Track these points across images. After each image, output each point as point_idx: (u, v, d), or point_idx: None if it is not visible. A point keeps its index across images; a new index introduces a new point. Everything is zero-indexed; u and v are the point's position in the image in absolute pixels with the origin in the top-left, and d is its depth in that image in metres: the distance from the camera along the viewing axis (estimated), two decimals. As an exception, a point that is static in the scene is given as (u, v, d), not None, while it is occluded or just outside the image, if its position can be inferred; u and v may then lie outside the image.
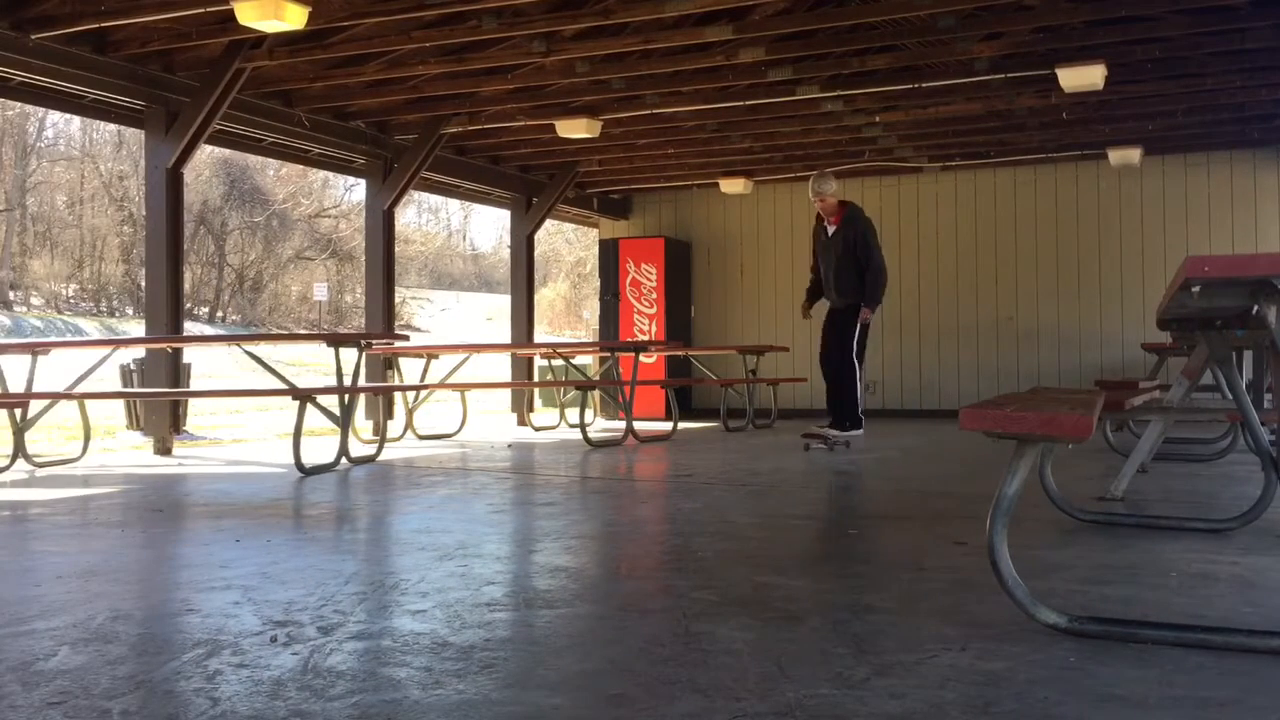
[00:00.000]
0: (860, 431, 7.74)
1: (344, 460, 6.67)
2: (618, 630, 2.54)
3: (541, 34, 7.62)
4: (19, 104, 20.97)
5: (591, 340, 24.24)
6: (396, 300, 17.66)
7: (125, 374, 9.95)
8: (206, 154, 28.51)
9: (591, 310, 27.57)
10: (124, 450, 8.43)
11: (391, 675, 2.14)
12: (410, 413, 9.37)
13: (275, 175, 34.52)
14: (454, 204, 47.78)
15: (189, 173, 9.26)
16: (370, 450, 7.50)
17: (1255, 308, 2.65)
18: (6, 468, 6.75)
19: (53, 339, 21.64)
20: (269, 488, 5.78)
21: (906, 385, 12.42)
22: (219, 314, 32.08)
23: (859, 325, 7.64)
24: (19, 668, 2.21)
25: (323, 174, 31.35)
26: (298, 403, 6.35)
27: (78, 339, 21.70)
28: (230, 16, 6.60)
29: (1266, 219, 11.23)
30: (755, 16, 7.43)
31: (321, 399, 6.58)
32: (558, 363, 11.74)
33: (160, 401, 8.09)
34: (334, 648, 2.34)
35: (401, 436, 9.18)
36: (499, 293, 39.15)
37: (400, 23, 7.46)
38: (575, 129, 9.44)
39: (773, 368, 12.08)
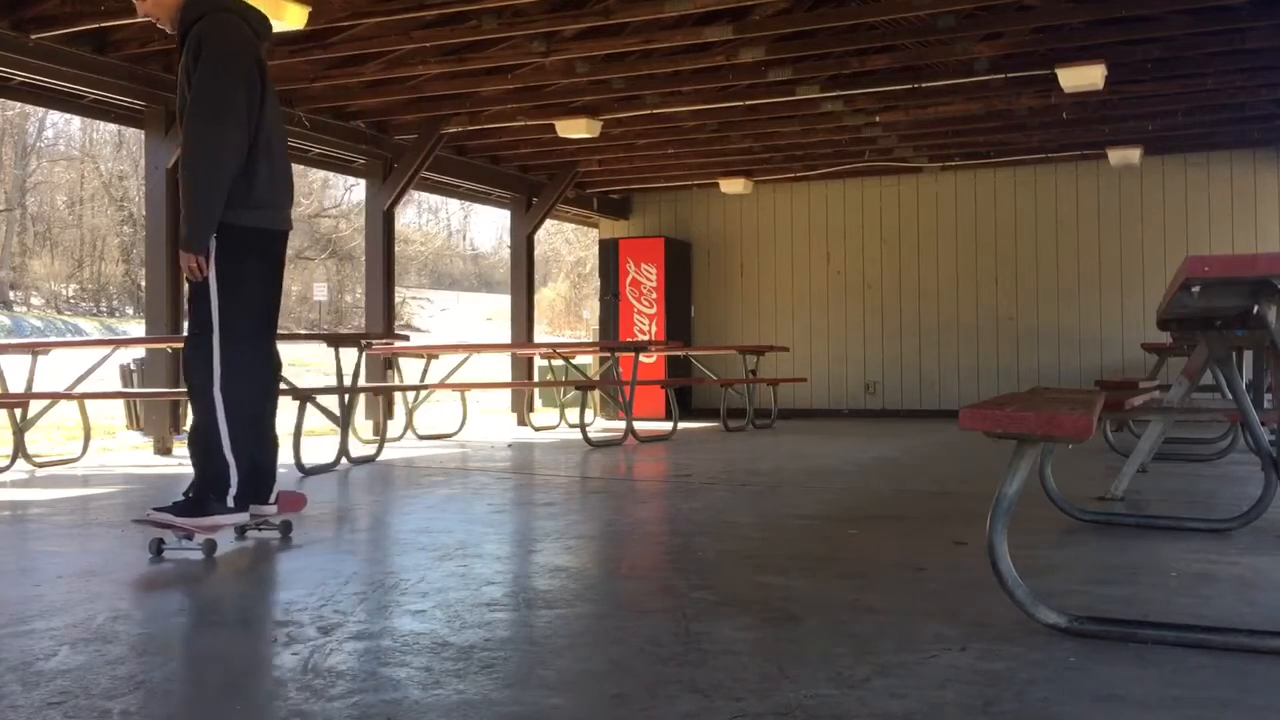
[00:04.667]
0: (230, 517, 3.58)
1: (344, 460, 6.67)
2: (618, 630, 2.54)
3: (541, 34, 7.63)
4: (19, 104, 20.96)
5: (591, 340, 24.22)
6: (396, 300, 17.65)
7: (125, 374, 9.94)
8: (206, 154, 28.41)
9: (591, 310, 27.56)
10: (124, 450, 8.43)
11: (391, 675, 2.14)
12: (410, 413, 9.37)
13: (275, 175, 34.43)
14: (454, 204, 47.77)
15: (189, 173, 9.23)
16: (370, 450, 7.50)
17: (1255, 308, 2.65)
18: (6, 468, 6.75)
19: (53, 339, 21.64)
20: (269, 488, 5.77)
21: (906, 385, 12.42)
22: (219, 314, 31.99)
23: (208, 279, 3.60)
24: (19, 668, 2.21)
25: (323, 174, 31.33)
26: (297, 403, 6.35)
27: (78, 339, 21.69)
28: (230, 16, 6.59)
29: (1266, 219, 11.22)
30: (755, 16, 7.42)
31: (321, 399, 6.59)
32: (558, 363, 11.74)
33: (160, 401, 8.09)
34: (334, 648, 2.34)
35: (401, 436, 9.18)
36: (499, 293, 39.12)
37: (400, 23, 7.45)
38: (575, 129, 9.44)
39: (773, 368, 12.07)
